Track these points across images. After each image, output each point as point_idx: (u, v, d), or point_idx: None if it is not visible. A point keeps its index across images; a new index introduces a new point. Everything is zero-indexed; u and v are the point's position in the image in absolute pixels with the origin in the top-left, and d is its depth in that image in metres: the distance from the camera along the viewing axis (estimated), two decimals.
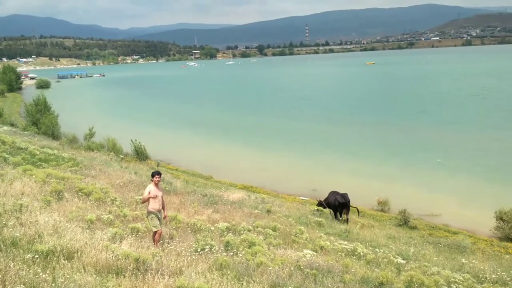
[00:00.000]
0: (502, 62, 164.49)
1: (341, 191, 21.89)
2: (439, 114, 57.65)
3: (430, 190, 28.85)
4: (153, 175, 10.53)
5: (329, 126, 54.16)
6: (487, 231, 21.99)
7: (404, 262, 12.50)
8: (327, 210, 22.28)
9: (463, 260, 14.78)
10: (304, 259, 10.38)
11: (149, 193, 10.23)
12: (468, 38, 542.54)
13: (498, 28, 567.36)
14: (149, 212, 10.28)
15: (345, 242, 14.10)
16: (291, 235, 13.95)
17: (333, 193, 22.31)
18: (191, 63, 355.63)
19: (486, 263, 14.81)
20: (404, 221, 22.87)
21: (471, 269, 13.40)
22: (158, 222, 10.30)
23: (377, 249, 13.80)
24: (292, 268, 9.18)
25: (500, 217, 21.19)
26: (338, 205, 21.56)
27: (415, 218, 23.85)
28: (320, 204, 22.64)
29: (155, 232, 10.30)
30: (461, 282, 10.82)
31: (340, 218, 21.44)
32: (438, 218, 24.67)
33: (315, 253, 11.58)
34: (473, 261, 14.97)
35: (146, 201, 10.25)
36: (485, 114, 55.62)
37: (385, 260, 12.45)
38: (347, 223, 20.91)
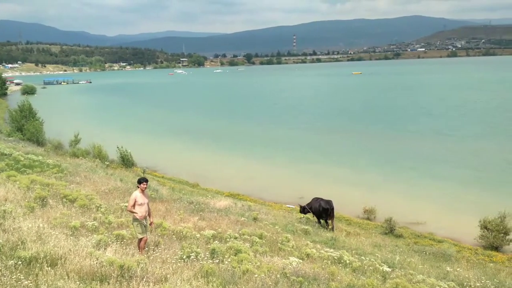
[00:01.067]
0: (486, 74, 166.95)
1: (327, 198, 21.93)
2: (424, 124, 58.28)
3: (416, 199, 29.05)
4: (139, 182, 10.44)
5: (315, 134, 54.34)
6: (472, 239, 22.16)
7: (390, 270, 12.54)
8: (310, 214, 22.31)
9: (448, 268, 14.86)
10: (290, 266, 10.35)
11: (135, 201, 10.14)
12: (454, 49, 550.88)
13: (483, 40, 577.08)
14: (135, 219, 10.19)
15: (331, 250, 14.09)
16: (278, 242, 13.92)
17: (317, 199, 22.36)
18: (179, 71, 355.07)
19: (471, 271, 14.90)
20: (390, 230, 22.95)
21: (456, 277, 13.48)
22: (144, 229, 10.22)
23: (363, 257, 13.83)
24: (278, 276, 9.16)
25: (484, 226, 21.38)
26: (322, 210, 21.61)
27: (401, 227, 23.96)
28: (303, 209, 22.66)
29: (140, 239, 10.21)
30: None
31: (327, 226, 21.47)
32: (423, 227, 24.81)
33: (301, 261, 11.56)
34: (458, 269, 15.05)
35: (131, 209, 10.16)
36: (467, 124, 56.35)
37: (371, 268, 12.47)
38: (333, 230, 20.96)
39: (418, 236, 23.16)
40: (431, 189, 31.01)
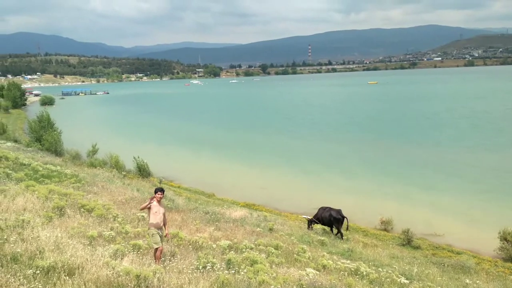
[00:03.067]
0: (504, 84, 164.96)
1: (344, 209, 21.79)
2: (442, 134, 57.67)
3: (434, 210, 28.68)
4: (155, 192, 10.51)
5: (331, 144, 54.14)
6: (491, 251, 21.77)
7: (408, 282, 12.38)
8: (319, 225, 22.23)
9: (467, 281, 14.63)
10: (306, 278, 10.28)
11: (150, 207, 10.23)
12: (470, 58, 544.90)
13: (500, 49, 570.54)
14: (150, 229, 10.24)
15: (348, 261, 13.98)
16: (294, 253, 13.85)
17: (325, 208, 22.22)
18: (195, 81, 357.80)
19: (491, 284, 14.67)
20: (407, 241, 22.69)
21: None
22: (159, 239, 10.25)
23: (380, 269, 13.68)
24: (294, 287, 9.09)
25: (504, 238, 20.99)
26: (334, 220, 21.47)
27: (419, 238, 23.68)
28: (310, 222, 22.53)
29: (156, 249, 10.24)
30: None
31: (332, 233, 21.39)
32: (441, 238, 24.47)
33: (317, 272, 11.48)
34: (477, 281, 14.81)
35: (144, 208, 10.28)
36: (487, 135, 55.60)
37: (388, 279, 12.32)
38: (342, 238, 20.85)
39: (436, 247, 22.85)
40: (449, 200, 30.61)
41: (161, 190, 10.59)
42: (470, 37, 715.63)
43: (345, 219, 21.62)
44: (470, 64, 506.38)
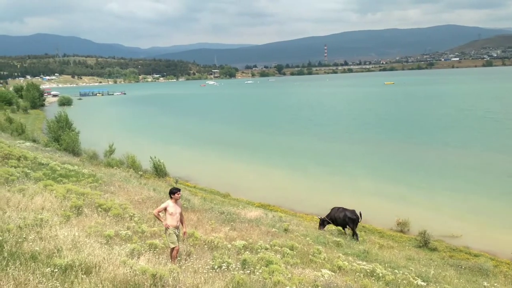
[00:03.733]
0: None
1: (360, 210, 21.65)
2: (459, 135, 57.02)
3: (451, 212, 28.38)
4: (174, 192, 10.54)
5: (347, 145, 53.89)
6: (509, 254, 21.53)
7: (424, 284, 12.26)
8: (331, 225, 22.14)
9: (485, 283, 14.45)
10: (322, 278, 10.25)
11: (166, 209, 10.29)
12: (489, 58, 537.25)
13: None
14: (167, 228, 10.30)
15: (364, 263, 13.89)
16: (309, 254, 13.81)
17: (338, 209, 22.09)
18: (211, 82, 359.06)
19: (509, 287, 14.44)
20: (424, 243, 22.50)
21: None
22: (176, 238, 10.31)
23: (396, 270, 13.57)
24: None
25: None
26: (348, 220, 21.34)
27: (435, 240, 23.46)
28: (322, 222, 22.42)
29: (172, 249, 10.29)
30: None
31: (345, 234, 21.27)
32: (459, 240, 24.21)
33: (333, 273, 11.43)
34: (495, 284, 14.63)
35: (157, 213, 10.34)
36: (507, 136, 54.82)
37: (404, 281, 12.22)
38: (357, 239, 20.73)
39: (454, 249, 22.61)
40: (467, 201, 30.26)
41: (179, 190, 10.65)
42: (488, 37, 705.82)
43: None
44: (489, 64, 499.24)
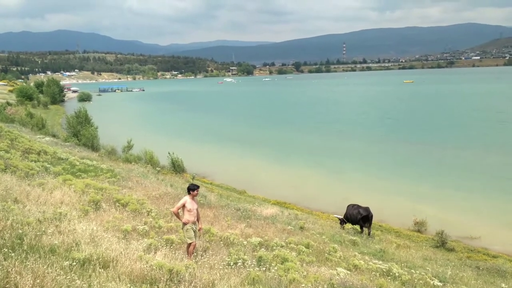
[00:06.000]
0: None
1: (377, 209, 21.55)
2: (478, 135, 56.26)
3: (469, 212, 28.08)
4: (194, 189, 10.60)
5: (364, 143, 53.55)
6: None
7: (441, 284, 12.14)
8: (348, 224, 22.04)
9: (503, 285, 14.24)
10: (337, 277, 10.21)
11: (184, 206, 10.35)
12: (510, 57, 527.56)
13: None
14: (185, 224, 10.37)
15: (380, 262, 13.80)
16: (325, 252, 13.77)
17: (353, 206, 22.01)
18: (228, 79, 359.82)
19: None
20: (441, 243, 22.26)
21: None
22: (193, 234, 10.37)
23: (412, 270, 13.45)
24: (325, 286, 9.05)
25: None
26: (361, 218, 21.24)
27: (453, 240, 23.20)
28: (341, 221, 22.41)
29: (189, 244, 10.36)
30: None
31: (362, 232, 21.13)
32: (477, 241, 23.93)
33: (348, 272, 11.38)
34: None
35: (176, 211, 10.39)
36: None
37: (421, 281, 12.11)
38: (369, 235, 20.64)
39: (471, 250, 22.35)
40: (485, 202, 29.89)
41: (198, 187, 10.72)
42: (510, 35, 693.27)
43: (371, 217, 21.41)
44: (510, 63, 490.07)
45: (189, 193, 10.55)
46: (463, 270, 16.57)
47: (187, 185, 11.17)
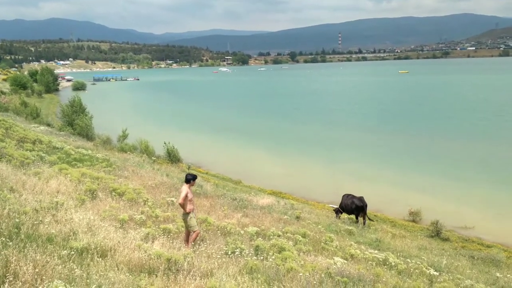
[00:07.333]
0: None
1: (372, 199, 21.64)
2: (473, 125, 56.48)
3: (464, 202, 28.24)
4: (193, 179, 10.71)
5: (359, 134, 53.65)
6: None
7: (437, 273, 12.22)
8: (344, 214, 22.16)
9: (498, 274, 14.37)
10: (334, 266, 10.25)
11: (187, 195, 10.40)
12: (506, 48, 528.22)
13: None
14: (188, 213, 10.43)
15: (376, 251, 13.88)
16: (321, 242, 13.81)
17: (348, 196, 22.12)
18: (223, 69, 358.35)
19: None
20: (436, 233, 22.44)
21: (506, 283, 13.04)
22: (196, 222, 10.48)
23: (408, 260, 13.54)
24: (322, 275, 9.09)
25: None
26: (355, 208, 21.36)
27: (448, 230, 23.38)
28: (337, 211, 22.52)
29: (190, 233, 10.45)
30: None
31: (357, 222, 21.24)
32: (471, 231, 24.11)
33: (345, 261, 11.44)
34: (508, 275, 14.52)
35: (183, 202, 10.39)
36: None
37: (417, 271, 12.19)
38: (364, 224, 20.77)
39: (466, 240, 22.55)
40: (480, 192, 30.05)
41: (196, 177, 10.93)
42: (506, 26, 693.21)
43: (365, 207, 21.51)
44: (505, 54, 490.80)
45: (187, 183, 10.58)
46: (458, 260, 16.72)
47: (183, 174, 11.20)
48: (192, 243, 10.34)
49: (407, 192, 30.20)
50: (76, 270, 6.68)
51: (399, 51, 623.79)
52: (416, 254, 15.89)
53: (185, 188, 10.53)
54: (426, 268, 12.60)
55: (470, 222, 24.81)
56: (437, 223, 22.65)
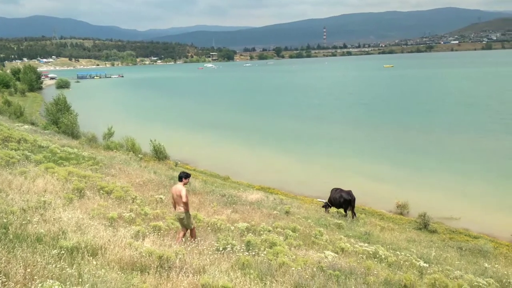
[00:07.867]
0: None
1: (360, 193, 21.78)
2: (459, 117, 57.05)
3: (450, 194, 28.52)
4: (186, 177, 10.95)
5: (345, 128, 53.90)
6: (509, 236, 21.76)
7: (426, 265, 12.33)
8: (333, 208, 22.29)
9: (486, 265, 14.53)
10: (325, 260, 10.30)
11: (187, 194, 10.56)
12: (488, 42, 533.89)
13: None
14: (187, 211, 10.54)
15: (366, 245, 13.96)
16: (311, 236, 13.87)
17: (336, 190, 22.29)
18: (209, 65, 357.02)
19: (510, 268, 14.54)
20: (424, 225, 22.64)
21: (495, 273, 13.16)
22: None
23: (398, 252, 13.65)
24: (314, 269, 9.12)
25: None
26: (343, 202, 21.55)
27: (435, 222, 23.60)
28: (325, 205, 22.66)
29: (186, 230, 10.64)
30: (485, 286, 10.65)
31: (346, 216, 21.39)
32: (458, 222, 24.38)
33: (336, 255, 11.49)
34: (496, 265, 14.70)
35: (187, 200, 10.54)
36: (504, 119, 54.83)
37: (406, 263, 12.30)
38: (353, 218, 20.94)
39: (453, 231, 22.79)
40: (465, 184, 30.39)
41: (189, 175, 11.24)
42: (489, 20, 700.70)
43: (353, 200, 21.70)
44: (488, 47, 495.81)
45: (180, 181, 10.64)
46: (447, 251, 16.88)
47: (170, 172, 11.24)
48: (183, 240, 10.34)
49: (394, 185, 30.43)
50: (67, 269, 6.60)
51: (383, 45, 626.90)
52: (405, 247, 16.02)
53: (181, 187, 10.60)
54: (415, 260, 12.71)
55: (456, 213, 25.09)
56: (424, 215, 22.85)
